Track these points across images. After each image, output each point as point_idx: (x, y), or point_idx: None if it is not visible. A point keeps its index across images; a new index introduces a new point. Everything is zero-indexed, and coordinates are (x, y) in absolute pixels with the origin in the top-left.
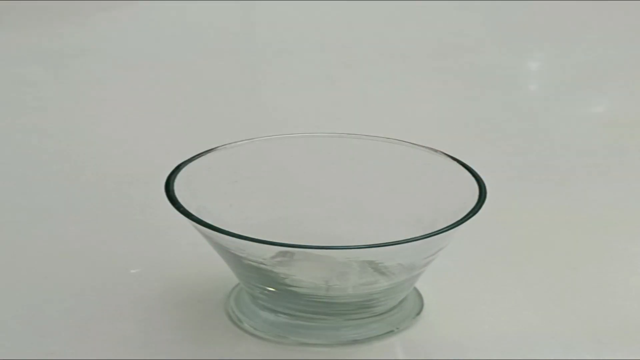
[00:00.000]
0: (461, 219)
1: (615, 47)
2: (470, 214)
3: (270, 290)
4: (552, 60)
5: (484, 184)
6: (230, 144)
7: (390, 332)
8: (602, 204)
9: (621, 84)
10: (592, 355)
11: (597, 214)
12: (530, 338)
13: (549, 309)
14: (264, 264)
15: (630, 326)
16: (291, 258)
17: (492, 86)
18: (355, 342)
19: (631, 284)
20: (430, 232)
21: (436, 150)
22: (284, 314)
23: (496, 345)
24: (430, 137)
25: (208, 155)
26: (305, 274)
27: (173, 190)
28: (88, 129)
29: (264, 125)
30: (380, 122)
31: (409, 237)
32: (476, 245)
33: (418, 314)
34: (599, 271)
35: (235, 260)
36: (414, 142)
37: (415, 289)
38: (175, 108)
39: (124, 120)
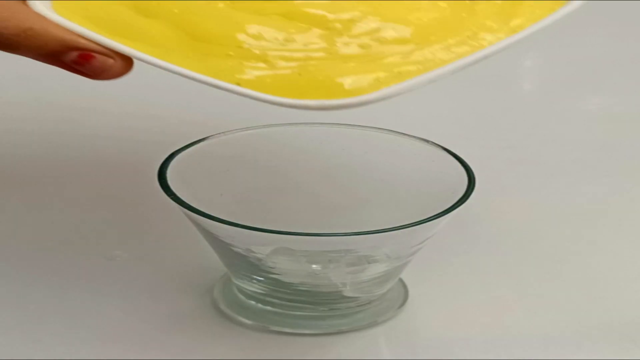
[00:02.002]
0: (448, 208)
1: (608, 45)
2: (458, 203)
3: (258, 279)
4: (545, 57)
5: (472, 173)
6: (222, 133)
7: (374, 322)
8: (590, 199)
9: (614, 81)
10: (577, 349)
11: (586, 209)
12: (515, 330)
13: (535, 302)
14: (252, 252)
15: (617, 321)
16: (279, 246)
17: (486, 82)
18: (340, 331)
19: (619, 279)
20: (416, 220)
21: (426, 140)
22: (271, 303)
23: (480, 337)
24: (428, 134)
25: (200, 143)
26: (292, 263)
27: (166, 178)
28: (82, 115)
29: (258, 117)
30: (377, 118)
31: (395, 226)
32: (462, 237)
33: (402, 304)
34: (587, 265)
35: (224, 248)
36: (402, 132)
37: (401, 280)
38: (169, 98)
39: (118, 109)
